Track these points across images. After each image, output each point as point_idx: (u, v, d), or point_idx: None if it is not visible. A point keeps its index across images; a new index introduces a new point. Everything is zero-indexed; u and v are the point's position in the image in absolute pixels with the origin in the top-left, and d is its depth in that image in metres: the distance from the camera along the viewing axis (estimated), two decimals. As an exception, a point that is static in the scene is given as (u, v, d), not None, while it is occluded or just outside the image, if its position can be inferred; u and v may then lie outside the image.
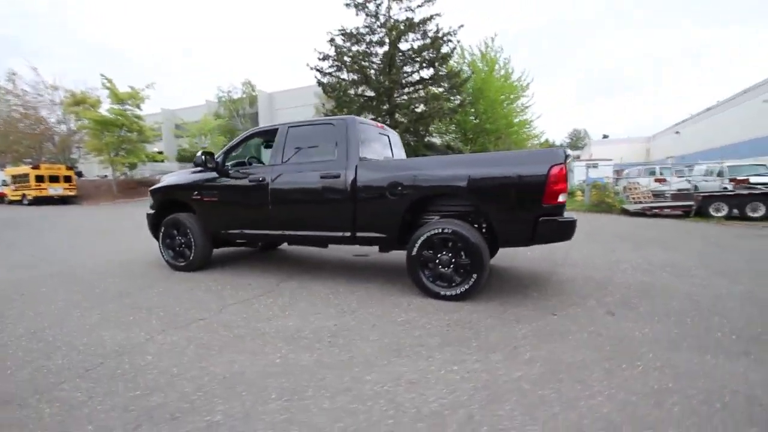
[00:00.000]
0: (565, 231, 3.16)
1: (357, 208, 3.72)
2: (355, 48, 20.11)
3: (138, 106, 22.47)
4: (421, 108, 19.31)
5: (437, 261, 3.44)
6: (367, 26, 20.07)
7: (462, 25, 19.02)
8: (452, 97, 20.26)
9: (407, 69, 20.03)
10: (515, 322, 2.95)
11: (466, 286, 3.35)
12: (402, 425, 1.74)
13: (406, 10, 19.63)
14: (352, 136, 3.86)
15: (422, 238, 3.43)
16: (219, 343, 2.64)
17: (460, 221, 3.42)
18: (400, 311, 3.20)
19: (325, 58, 19.89)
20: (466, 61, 22.81)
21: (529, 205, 3.14)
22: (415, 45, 19.70)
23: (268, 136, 4.63)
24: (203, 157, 4.22)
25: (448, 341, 2.61)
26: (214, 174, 4.43)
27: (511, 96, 23.22)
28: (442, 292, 3.42)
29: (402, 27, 18.58)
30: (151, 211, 4.94)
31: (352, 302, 3.45)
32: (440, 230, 3.37)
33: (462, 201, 3.55)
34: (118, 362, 2.36)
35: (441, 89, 20.39)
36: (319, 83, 20.24)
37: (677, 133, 33.62)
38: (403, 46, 19.77)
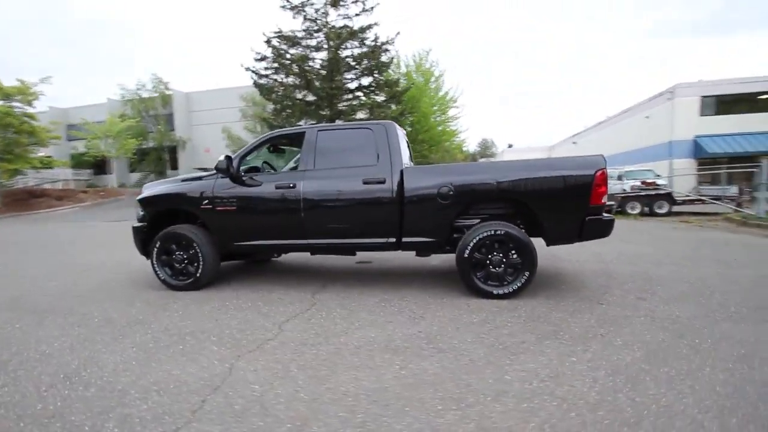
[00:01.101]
0: (606, 228, 3.52)
1: (405, 214, 3.68)
2: (292, 51, 19.57)
3: (29, 103, 18.89)
4: (364, 115, 19.43)
5: (488, 262, 3.57)
6: (304, 30, 19.68)
7: (398, 33, 19.67)
8: (392, 106, 20.77)
9: (348, 76, 20.06)
10: (576, 313, 3.20)
11: (519, 284, 3.52)
12: (597, 415, 1.81)
13: (344, 18, 19.71)
14: (393, 140, 3.81)
15: (475, 241, 3.53)
16: (319, 361, 2.42)
17: (505, 222, 3.59)
18: (467, 313, 3.25)
19: (263, 59, 18.99)
20: (402, 71, 23.59)
21: (580, 206, 3.44)
22: (355, 53, 19.83)
23: (292, 140, 4.32)
24: (227, 162, 3.78)
25: (541, 336, 2.74)
26: (226, 181, 4.00)
27: (443, 107, 24.59)
28: (495, 291, 3.55)
29: (343, 34, 18.57)
30: (140, 224, 4.26)
31: (413, 308, 3.40)
32: (493, 232, 3.50)
33: (507, 204, 3.72)
34: (225, 398, 2.04)
35: (381, 98, 20.79)
36: (256, 84, 19.25)
37: (575, 143, 38.70)
38: (344, 53, 19.76)
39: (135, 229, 4.29)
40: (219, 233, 4.07)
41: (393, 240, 3.78)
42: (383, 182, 3.69)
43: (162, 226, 4.30)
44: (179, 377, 2.26)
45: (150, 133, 32.82)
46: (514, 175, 3.53)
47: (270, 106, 19.56)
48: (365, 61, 19.89)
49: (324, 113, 19.75)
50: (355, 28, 19.30)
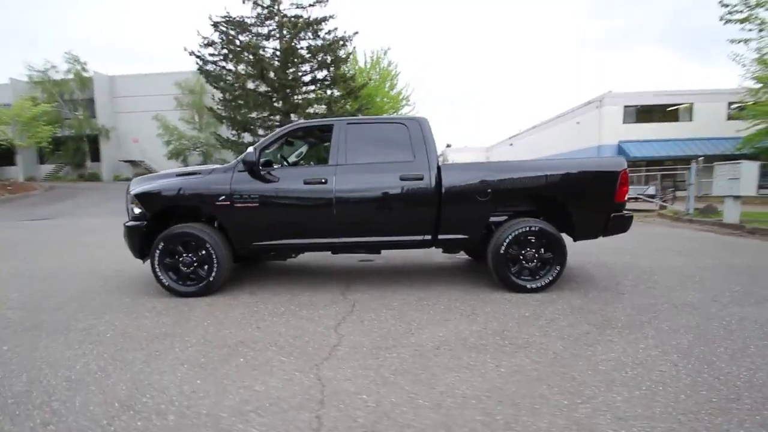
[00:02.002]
0: (627, 224, 3.80)
1: (442, 211, 3.65)
2: (242, 38, 18.46)
3: None
4: (322, 110, 18.96)
5: (522, 257, 3.68)
6: (255, 17, 18.66)
7: (357, 32, 19.44)
8: (350, 102, 20.52)
9: (304, 68, 19.42)
10: (609, 303, 3.42)
11: (551, 277, 3.69)
12: (702, 395, 1.94)
13: (297, 7, 19.03)
14: (428, 137, 3.76)
15: (510, 237, 3.62)
16: (408, 365, 2.31)
17: (536, 219, 3.73)
18: (513, 307, 3.32)
19: (210, 44, 17.66)
20: (358, 67, 23.37)
21: (607, 203, 3.68)
22: (311, 44, 19.25)
23: (316, 133, 4.03)
24: (257, 154, 3.44)
25: (599, 327, 2.89)
26: (244, 175, 3.65)
27: (395, 105, 24.84)
28: (529, 285, 3.68)
29: (299, 24, 17.91)
30: (137, 223, 3.72)
31: (457, 305, 3.39)
32: (528, 228, 3.62)
33: (537, 201, 3.85)
34: (341, 411, 1.86)
35: (337, 93, 20.43)
36: (201, 71, 17.87)
37: (511, 144, 41.39)
38: (299, 44, 19.08)
39: (130, 229, 3.73)
40: (237, 232, 3.70)
41: (429, 237, 3.73)
42: (421, 179, 3.62)
43: (159, 226, 3.82)
44: (269, 394, 2.01)
45: (66, 120, 28.93)
46: (551, 173, 3.67)
47: (218, 95, 18.20)
48: (321, 55, 19.40)
49: (278, 106, 18.96)
50: (311, 18, 18.74)
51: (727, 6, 10.11)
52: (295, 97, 19.41)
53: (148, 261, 3.67)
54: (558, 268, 3.68)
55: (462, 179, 3.66)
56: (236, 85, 17.92)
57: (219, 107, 18.16)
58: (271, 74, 18.32)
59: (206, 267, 3.66)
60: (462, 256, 5.49)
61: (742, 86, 18.19)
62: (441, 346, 2.58)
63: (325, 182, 3.61)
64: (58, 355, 2.52)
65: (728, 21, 10.31)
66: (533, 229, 3.62)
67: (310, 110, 19.77)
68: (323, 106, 19.65)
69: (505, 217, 3.91)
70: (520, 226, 3.62)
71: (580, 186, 3.69)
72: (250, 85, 18.17)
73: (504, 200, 3.69)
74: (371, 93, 22.56)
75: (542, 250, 3.68)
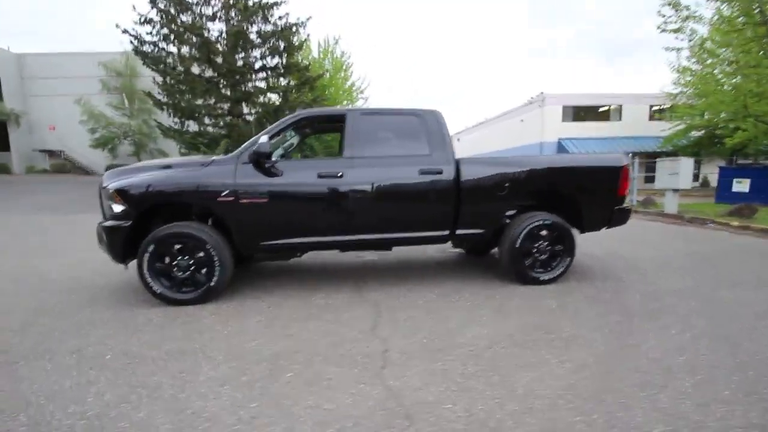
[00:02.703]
0: (627, 217, 4.01)
1: (461, 206, 3.58)
2: (184, 17, 16.94)
3: None
4: (276, 100, 18.06)
5: (535, 250, 3.75)
6: (198, -5, 17.19)
7: (310, 17, 18.71)
8: (304, 92, 19.78)
9: (255, 54, 18.32)
10: (619, 292, 3.60)
11: (562, 269, 3.80)
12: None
13: (245, -13, 17.84)
14: (445, 129, 3.65)
15: (526, 230, 3.66)
16: (472, 366, 2.22)
17: (546, 213, 3.81)
18: (538, 300, 3.36)
19: (147, 22, 15.97)
20: (312, 57, 22.58)
21: (612, 196, 3.85)
22: (262, 29, 18.19)
23: (327, 122, 3.72)
24: (269, 142, 3.07)
25: (625, 316, 3.01)
26: (249, 167, 3.29)
27: (350, 98, 24.47)
28: (542, 278, 3.76)
29: (252, 7, 16.82)
30: (118, 223, 3.19)
31: (482, 301, 3.36)
32: (541, 222, 3.68)
33: (547, 195, 3.92)
34: (438, 426, 1.71)
35: (289, 82, 19.59)
36: (137, 52, 16.13)
37: (458, 140, 42.80)
38: (248, 28, 17.93)
39: (110, 230, 3.20)
40: (242, 231, 3.33)
41: (446, 233, 3.65)
42: (441, 173, 3.51)
43: (144, 226, 3.34)
44: (345, 413, 1.80)
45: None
46: (563, 167, 3.75)
47: (158, 79, 16.57)
48: (272, 40, 18.43)
49: (226, 93, 17.74)
50: (263, 2, 17.69)
51: (663, 16, 11.16)
52: (246, 84, 18.30)
53: (128, 266, 3.18)
54: (568, 259, 3.80)
55: (480, 174, 3.62)
56: (179, 68, 16.42)
57: (160, 92, 16.51)
58: (219, 59, 17.07)
59: (205, 271, 3.26)
60: (453, 249, 5.51)
61: (663, 91, 20.38)
62: (493, 345, 2.51)
63: (341, 176, 3.36)
64: (54, 386, 2.07)
65: (663, 30, 11.42)
66: (546, 222, 3.69)
67: (263, 99, 18.81)
68: (277, 96, 18.77)
69: (514, 212, 3.94)
70: (534, 220, 3.67)
71: (588, 180, 3.83)
72: (196, 69, 16.76)
73: (519, 194, 3.71)
74: (326, 84, 21.97)
75: (554, 242, 3.77)
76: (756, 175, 11.61)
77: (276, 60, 18.84)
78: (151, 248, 3.15)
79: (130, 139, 26.12)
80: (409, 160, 3.51)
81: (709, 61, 12.38)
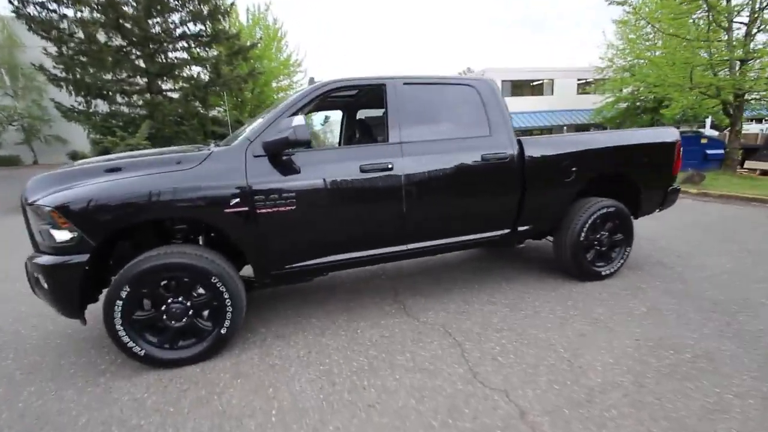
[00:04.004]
0: (676, 197, 3.70)
1: (526, 197, 2.95)
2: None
3: None
4: (204, 74, 15.80)
5: (597, 242, 3.30)
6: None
7: (238, -21, 16.47)
8: (238, 64, 17.59)
9: (173, 19, 15.70)
10: (654, 278, 3.32)
11: (622, 261, 3.41)
12: None
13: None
14: (503, 102, 2.95)
15: (590, 220, 3.17)
16: (624, 397, 1.65)
17: (606, 198, 3.37)
18: (609, 300, 2.92)
19: (27, -25, 12.73)
20: (239, 23, 20.10)
21: (668, 175, 3.49)
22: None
23: (361, 94, 2.78)
24: (305, 124, 2.10)
25: (712, 306, 2.68)
26: (264, 163, 2.30)
27: (288, 72, 22.57)
28: (603, 272, 3.34)
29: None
30: (65, 259, 2.04)
31: (553, 304, 2.83)
32: (606, 209, 3.22)
33: (608, 178, 3.44)
34: None
35: (215, 52, 17.26)
36: (19, 15, 12.89)
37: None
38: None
39: (53, 270, 2.03)
40: (261, 252, 2.37)
41: (507, 231, 3.02)
42: (505, 159, 2.83)
43: (105, 258, 2.25)
44: None
45: None
46: (624, 145, 3.28)
47: (52, 50, 13.48)
48: (194, 3, 15.93)
49: (142, 65, 15.07)
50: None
51: (612, -14, 11.35)
52: (166, 55, 15.73)
53: (86, 321, 2.09)
54: (628, 249, 3.41)
55: (546, 157, 3.00)
56: (78, 35, 13.48)
57: (55, 66, 13.45)
58: (129, 24, 14.34)
59: (210, 313, 2.28)
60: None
61: (591, 65, 21.55)
62: (638, 378, 1.98)
63: (391, 168, 2.52)
64: None
65: (612, 2, 11.67)
66: (610, 210, 3.23)
67: (188, 72, 16.43)
68: (205, 69, 16.48)
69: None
70: (597, 208, 3.19)
71: (649, 158, 3.43)
72: (101, 37, 13.88)
73: (584, 179, 3.18)
74: (261, 55, 19.86)
75: (614, 232, 3.34)
76: (684, 143, 12.69)
77: (199, 26, 16.39)
78: (125, 292, 2.08)
79: (17, 124, 21.53)
80: (469, 144, 2.77)
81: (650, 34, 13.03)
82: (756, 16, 10.15)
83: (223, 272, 2.23)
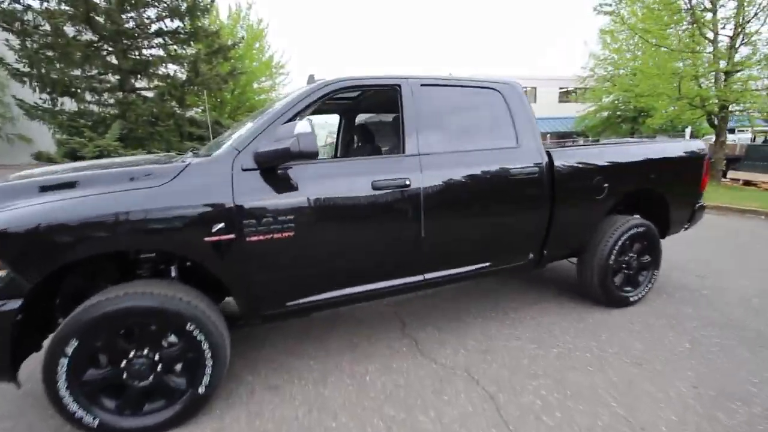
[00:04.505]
0: (702, 214, 3.44)
1: (554, 217, 2.60)
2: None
3: None
4: (182, 73, 15.04)
5: (625, 264, 2.99)
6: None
7: (219, -26, 15.84)
8: (214, 62, 16.87)
9: (148, 14, 14.92)
10: (703, 305, 3.05)
11: (650, 286, 3.12)
12: None
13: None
14: (530, 108, 2.59)
15: (620, 242, 2.86)
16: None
17: (633, 216, 3.07)
18: (654, 337, 2.60)
19: (-14, -40, 11.78)
20: (219, 21, 19.39)
21: (695, 191, 3.22)
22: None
23: (369, 98, 2.36)
24: (312, 131, 1.66)
25: (751, 346, 2.39)
26: (254, 178, 1.86)
27: (270, 73, 21.97)
28: (632, 298, 3.03)
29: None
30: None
31: (596, 345, 2.48)
32: (636, 229, 2.91)
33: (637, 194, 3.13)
34: None
35: (193, 50, 16.52)
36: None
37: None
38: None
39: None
40: (251, 289, 1.91)
41: (532, 257, 2.66)
42: (535, 173, 2.47)
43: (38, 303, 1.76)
44: None
45: None
46: (656, 158, 2.98)
47: (14, 42, 12.52)
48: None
49: (113, 62, 14.22)
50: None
51: (600, -5, 11.37)
52: (140, 51, 14.92)
53: (21, 384, 1.59)
54: (656, 273, 3.12)
55: (577, 171, 2.66)
56: (44, 29, 12.57)
57: (18, 59, 12.48)
58: (101, 18, 13.51)
59: (184, 367, 1.81)
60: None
61: (575, 75, 21.82)
62: (681, 424, 1.63)
63: (409, 185, 2.11)
64: None
65: (599, 12, 11.69)
66: (640, 230, 2.93)
67: (164, 70, 15.63)
68: (182, 68, 15.73)
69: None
70: (627, 227, 2.87)
71: (679, 172, 3.15)
72: (70, 30, 12.98)
73: (616, 196, 2.85)
74: (243, 55, 19.21)
75: (642, 253, 3.04)
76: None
77: (177, 23, 15.63)
78: (72, 347, 1.59)
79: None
80: (496, 156, 2.40)
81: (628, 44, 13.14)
82: (739, 30, 10.31)
83: (200, 316, 1.76)
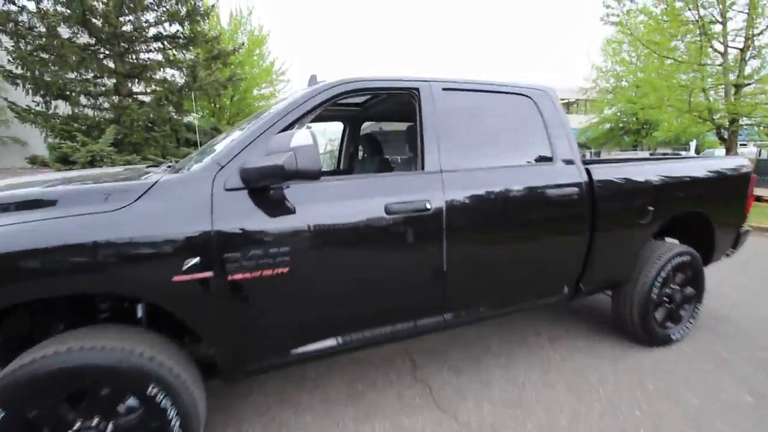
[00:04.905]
0: (746, 239, 3.09)
1: (594, 244, 2.23)
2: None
3: None
4: (181, 78, 14.77)
5: (667, 298, 2.62)
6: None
7: (220, -18, 15.67)
8: (214, 68, 16.61)
9: (147, 18, 14.67)
10: (752, 345, 2.67)
11: (692, 321, 2.75)
12: None
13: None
14: (565, 118, 2.24)
15: (664, 272, 2.49)
16: None
17: (676, 243, 2.72)
18: (712, 386, 2.22)
19: (-20, -40, 11.52)
20: (220, 27, 19.20)
21: (740, 213, 2.88)
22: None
23: (379, 103, 2.01)
24: (315, 143, 1.29)
25: None
26: (239, 199, 1.49)
27: (271, 80, 21.77)
28: (674, 335, 2.66)
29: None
30: None
31: (638, 391, 2.10)
32: (680, 258, 2.55)
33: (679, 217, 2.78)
34: None
35: (192, 55, 16.27)
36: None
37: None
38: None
39: None
40: (233, 340, 1.52)
41: (566, 292, 2.29)
42: (574, 194, 2.11)
43: None
44: None
45: None
46: (706, 177, 2.63)
47: (7, 44, 12.22)
48: (171, 3, 14.96)
49: (110, 65, 13.93)
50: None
51: (608, 7, 11.17)
52: (137, 55, 14.66)
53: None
54: (699, 306, 2.76)
55: (620, 190, 2.30)
56: (39, 30, 12.30)
57: (11, 61, 12.16)
58: (98, 21, 13.26)
59: (145, 437, 1.42)
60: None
61: (577, 87, 21.70)
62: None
63: (429, 208, 1.75)
64: None
65: (606, 23, 11.49)
66: (685, 258, 2.57)
67: (161, 75, 15.36)
68: (180, 72, 15.47)
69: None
70: (671, 256, 2.51)
71: (724, 192, 2.80)
72: (64, 33, 12.69)
73: (661, 220, 2.49)
74: (243, 61, 19.00)
75: (685, 284, 2.69)
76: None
77: (176, 27, 15.40)
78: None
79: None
80: (530, 174, 2.05)
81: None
82: (749, 43, 10.10)
83: (166, 376, 1.37)
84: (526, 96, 2.16)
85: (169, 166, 1.91)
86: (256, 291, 1.49)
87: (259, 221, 1.50)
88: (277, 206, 1.53)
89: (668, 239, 2.94)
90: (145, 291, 1.38)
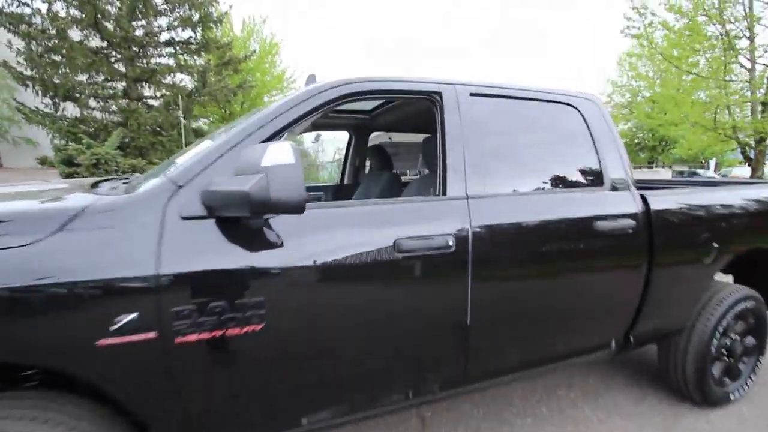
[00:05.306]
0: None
1: (650, 287, 1.82)
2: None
3: None
4: (191, 83, 14.67)
5: (726, 351, 2.19)
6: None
7: (233, -13, 15.66)
8: (224, 74, 16.53)
9: (159, 23, 14.65)
10: None
11: (753, 377, 2.31)
12: None
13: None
14: (616, 133, 1.85)
15: (725, 320, 2.07)
16: None
17: (740, 286, 2.29)
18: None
19: (-3, -38, 11.57)
20: (233, 35, 19.23)
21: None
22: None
23: (392, 109, 1.64)
24: (289, 161, 0.93)
25: None
26: (200, 230, 1.11)
27: (281, 87, 21.69)
28: (732, 395, 2.22)
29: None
30: None
31: None
32: (743, 303, 2.13)
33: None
34: None
35: (203, 60, 16.22)
36: (-18, 5, 11.63)
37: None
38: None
39: None
40: (180, 423, 1.13)
41: (614, 345, 1.87)
42: (629, 226, 1.70)
43: None
44: None
45: None
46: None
47: (19, 45, 12.21)
48: (184, 9, 14.93)
49: (120, 69, 13.87)
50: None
51: (629, 19, 10.81)
52: (148, 60, 14.62)
53: None
54: (761, 360, 2.32)
55: (682, 221, 1.89)
56: (50, 32, 12.26)
57: (21, 62, 12.13)
58: (110, 24, 13.22)
59: None
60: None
61: (599, 93, 21.32)
62: None
63: (451, 246, 1.35)
64: None
65: (627, 35, 11.13)
66: (748, 304, 2.15)
67: (171, 79, 15.28)
68: (191, 78, 15.40)
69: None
70: (734, 301, 2.10)
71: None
72: (76, 35, 12.67)
73: (725, 258, 2.06)
74: (254, 68, 18.96)
75: (745, 334, 2.25)
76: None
77: (188, 33, 15.37)
78: None
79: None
80: (576, 202, 1.65)
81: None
82: (776, 58, 9.64)
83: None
84: (571, 105, 1.77)
85: (125, 182, 1.54)
86: (218, 356, 1.11)
87: (225, 260, 1.12)
88: (249, 241, 1.15)
89: (719, 278, 2.51)
90: (57, 360, 0.99)
